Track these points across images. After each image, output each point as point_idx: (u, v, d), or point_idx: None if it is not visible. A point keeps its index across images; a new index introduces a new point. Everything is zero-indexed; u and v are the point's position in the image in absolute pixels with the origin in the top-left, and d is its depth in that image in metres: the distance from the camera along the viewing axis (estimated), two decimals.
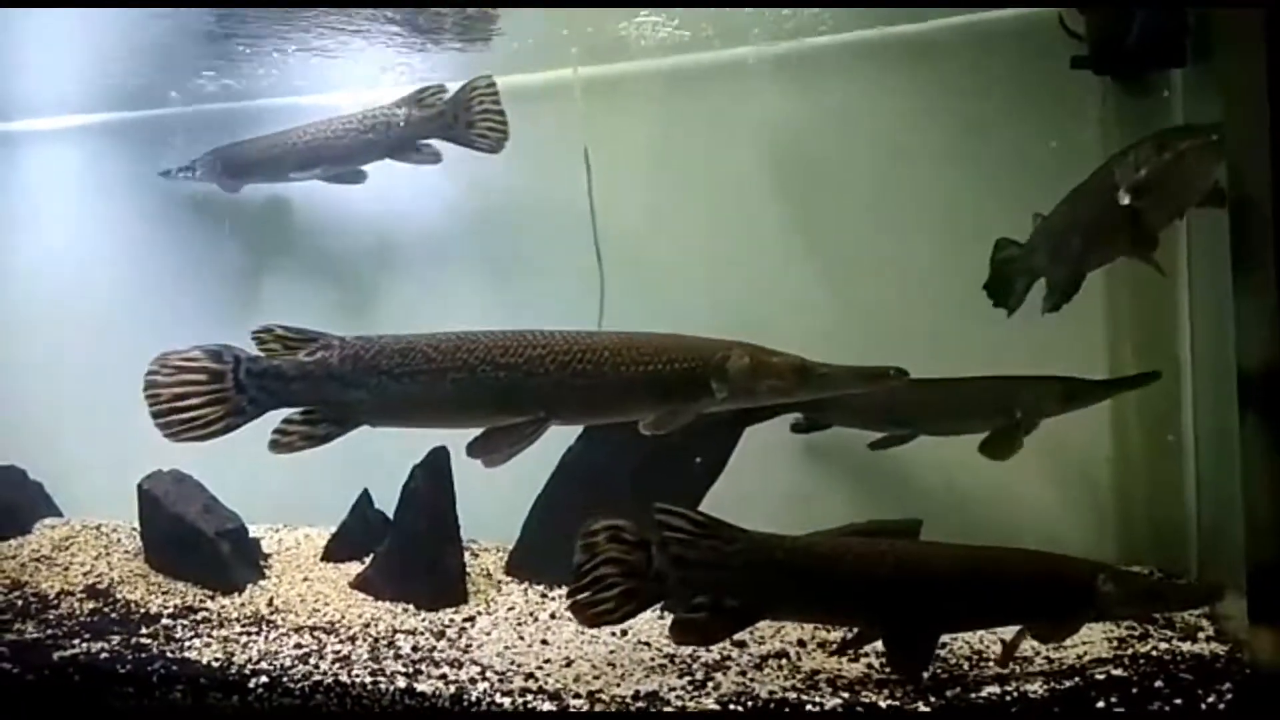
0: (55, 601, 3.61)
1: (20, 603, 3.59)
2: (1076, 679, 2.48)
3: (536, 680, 2.80)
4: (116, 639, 3.19)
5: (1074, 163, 3.29)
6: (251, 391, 2.78)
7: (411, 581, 3.51)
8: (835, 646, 2.92)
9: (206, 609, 3.51)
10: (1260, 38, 2.21)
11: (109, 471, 4.00)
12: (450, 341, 2.79)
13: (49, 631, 3.28)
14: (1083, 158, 3.33)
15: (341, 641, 3.16)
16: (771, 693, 2.61)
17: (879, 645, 2.72)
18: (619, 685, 2.74)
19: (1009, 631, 2.79)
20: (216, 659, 3.00)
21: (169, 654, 3.05)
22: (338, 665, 2.93)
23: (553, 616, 3.36)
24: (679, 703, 2.58)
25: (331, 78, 4.19)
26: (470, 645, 3.12)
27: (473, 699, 2.66)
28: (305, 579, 3.77)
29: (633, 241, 4.03)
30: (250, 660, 2.98)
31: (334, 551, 3.95)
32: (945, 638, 2.87)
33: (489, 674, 2.84)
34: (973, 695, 2.47)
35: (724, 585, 2.66)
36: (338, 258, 4.44)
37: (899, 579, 2.67)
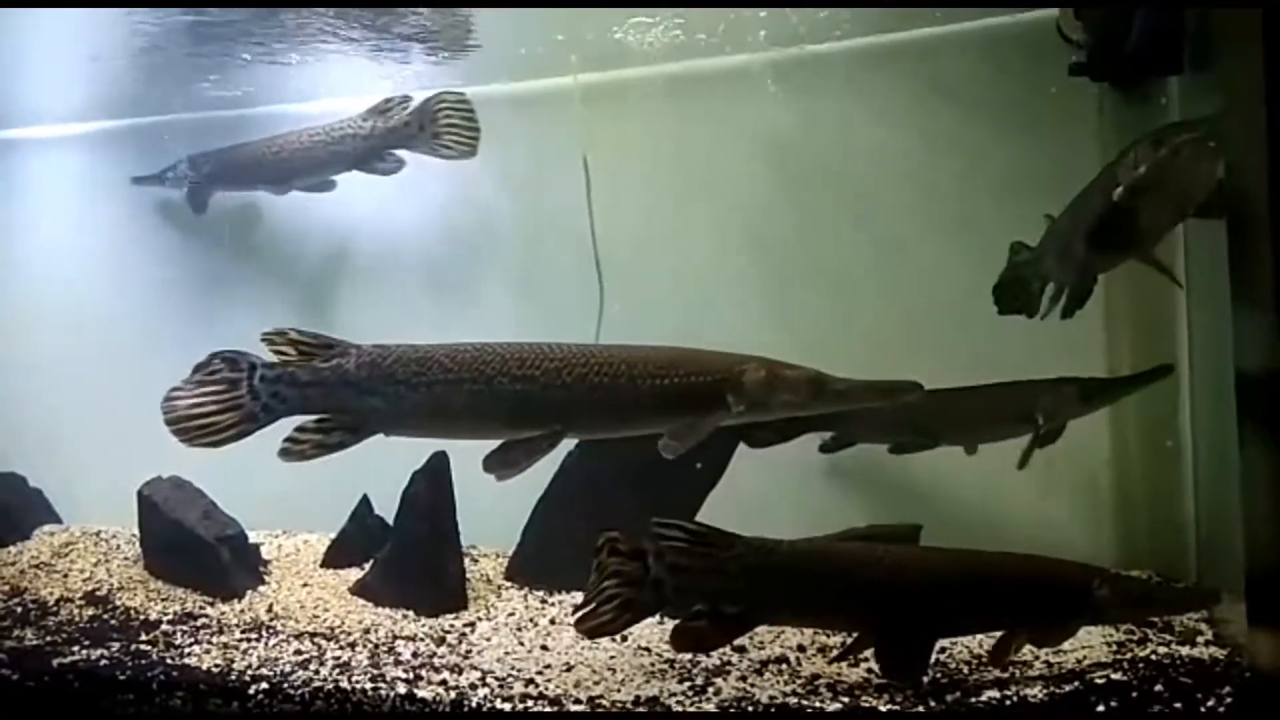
0: (55, 608, 3.60)
1: (20, 609, 3.58)
2: (1076, 683, 2.49)
3: (537, 686, 2.80)
4: (116, 645, 3.19)
5: (1072, 170, 3.31)
6: (265, 398, 2.77)
7: (411, 587, 3.51)
8: (835, 653, 2.92)
9: (206, 615, 3.51)
10: (1259, 41, 2.23)
11: (109, 478, 3.99)
12: (467, 352, 2.78)
13: (48, 638, 3.28)
14: (1081, 165, 3.35)
15: (342, 648, 3.16)
16: (772, 698, 2.62)
17: None
18: (619, 690, 2.74)
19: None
20: (216, 665, 3.00)
21: (169, 660, 3.05)
22: (338, 671, 2.93)
23: (553, 622, 3.36)
24: (679, 708, 2.58)
25: (331, 84, 4.20)
26: (470, 651, 3.12)
27: (473, 705, 2.67)
28: (305, 585, 3.77)
29: (632, 249, 4.03)
30: (250, 666, 2.99)
31: (334, 557, 3.95)
32: (944, 642, 2.88)
33: (489, 680, 2.84)
34: (972, 699, 2.48)
35: (721, 592, 2.68)
36: (329, 267, 4.45)
37: (894, 583, 2.68)
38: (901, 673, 2.64)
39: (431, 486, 3.54)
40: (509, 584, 3.73)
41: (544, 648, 3.13)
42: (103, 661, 3.05)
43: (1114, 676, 2.49)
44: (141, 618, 3.49)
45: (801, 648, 3.01)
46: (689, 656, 2.95)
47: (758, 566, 2.68)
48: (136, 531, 3.96)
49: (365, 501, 3.93)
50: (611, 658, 3.00)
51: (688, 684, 2.76)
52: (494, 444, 2.78)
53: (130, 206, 4.65)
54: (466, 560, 3.69)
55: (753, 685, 2.74)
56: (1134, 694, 2.29)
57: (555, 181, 4.09)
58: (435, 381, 2.75)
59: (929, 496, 3.67)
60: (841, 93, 3.86)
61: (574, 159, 3.97)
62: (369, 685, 2.79)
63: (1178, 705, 2.23)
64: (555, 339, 3.69)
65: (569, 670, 2.92)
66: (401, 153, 4.09)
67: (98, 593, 3.73)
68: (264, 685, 2.83)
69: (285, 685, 2.83)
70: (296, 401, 2.79)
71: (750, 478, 3.55)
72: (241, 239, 4.56)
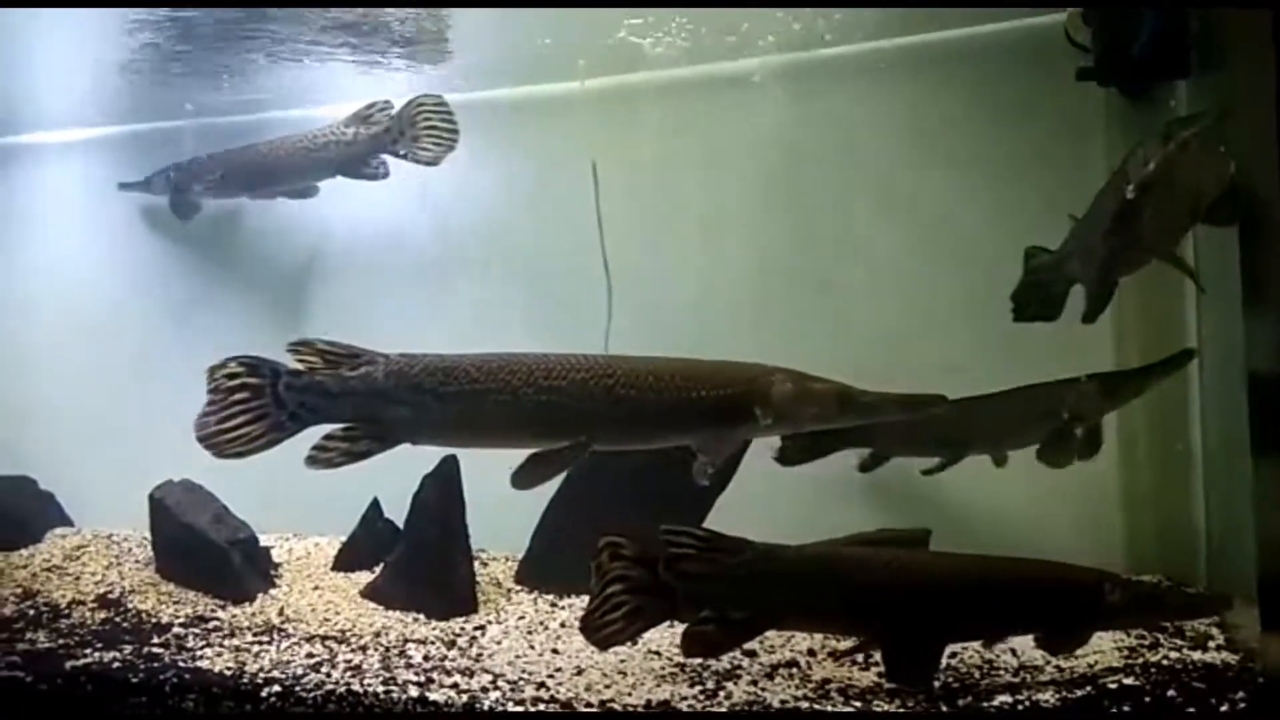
0: (67, 611, 3.62)
1: (32, 612, 3.60)
2: (1088, 687, 2.49)
3: (548, 689, 2.80)
4: (128, 648, 3.20)
5: (1080, 175, 3.31)
6: (292, 406, 2.76)
7: (422, 591, 3.52)
8: (839, 654, 2.93)
9: (218, 618, 3.53)
10: (1268, 44, 2.23)
11: (120, 481, 4.01)
12: (494, 362, 2.78)
13: (61, 641, 3.29)
14: (1089, 170, 3.36)
15: (353, 650, 3.17)
16: (783, 702, 2.62)
17: None
18: (630, 694, 2.75)
19: (1021, 641, 2.81)
20: (229, 668, 3.01)
21: (181, 663, 3.06)
22: (350, 674, 2.94)
23: (563, 625, 3.36)
24: (691, 712, 2.59)
25: (341, 88, 4.21)
26: (481, 654, 3.13)
27: (485, 708, 2.67)
28: (316, 588, 3.79)
29: (639, 255, 4.04)
30: (262, 669, 2.99)
31: (344, 561, 3.96)
32: (955, 646, 2.88)
33: (500, 683, 2.85)
34: (984, 704, 2.48)
35: (730, 598, 2.68)
36: (332, 272, 4.47)
37: (903, 589, 2.68)
38: (910, 678, 2.64)
39: (442, 490, 3.55)
40: (519, 587, 3.74)
41: (555, 651, 3.14)
42: (115, 664, 3.06)
43: (1126, 681, 2.49)
44: (153, 620, 3.51)
45: (812, 652, 3.02)
46: (699, 660, 2.95)
47: (767, 572, 2.69)
48: (148, 535, 3.99)
49: (375, 505, 3.94)
50: (622, 661, 3.00)
51: (698, 688, 2.77)
52: (520, 454, 2.78)
53: (138, 211, 4.68)
54: (476, 564, 3.70)
55: (764, 689, 2.74)
56: (1147, 699, 2.29)
57: (563, 187, 4.10)
58: (462, 391, 2.74)
59: (937, 501, 3.67)
60: (850, 98, 3.87)
61: (582, 164, 3.98)
62: (381, 688, 2.80)
63: (1191, 710, 2.23)
64: (563, 344, 3.77)
65: (580, 673, 2.93)
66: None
67: (110, 595, 3.75)
68: (276, 688, 2.84)
69: (297, 688, 2.83)
70: (325, 410, 2.78)
71: (758, 483, 3.56)
72: (243, 243, 4.57)
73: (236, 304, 4.57)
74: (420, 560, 3.56)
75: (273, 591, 3.75)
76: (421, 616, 3.47)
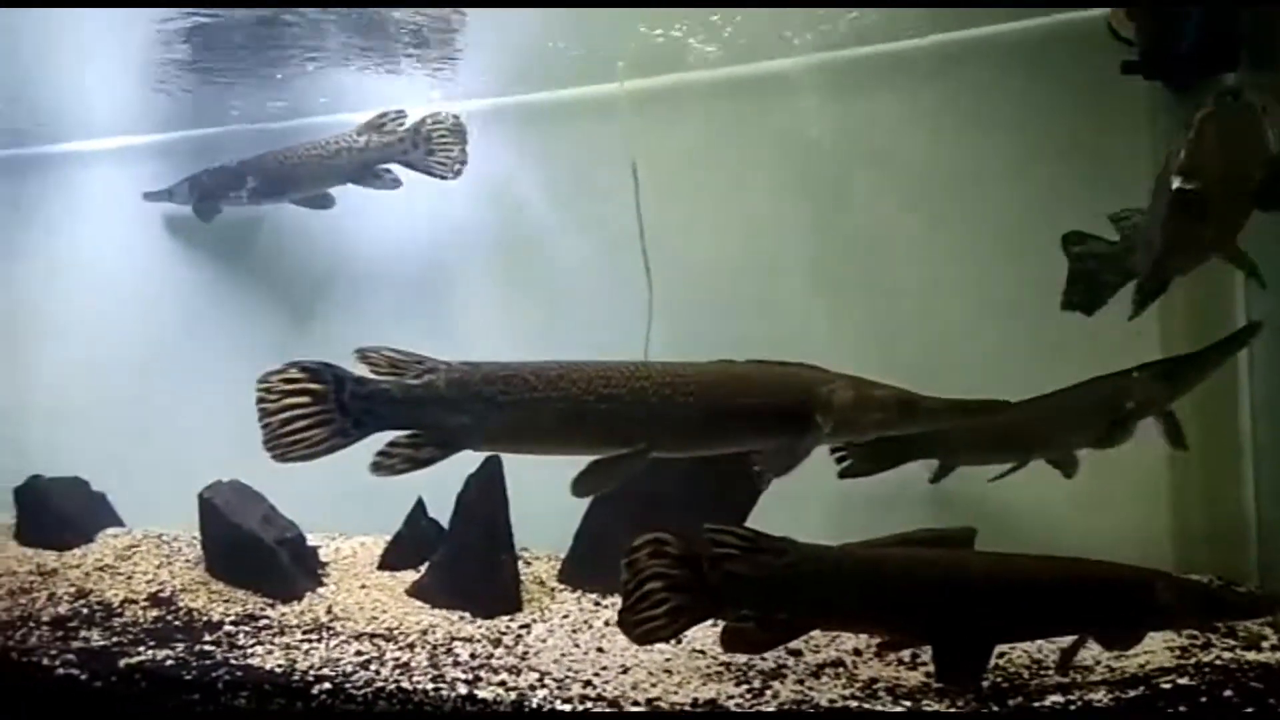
0: (120, 609, 3.68)
1: (86, 610, 3.67)
2: (1142, 688, 2.47)
3: (595, 687, 2.82)
4: (181, 646, 3.25)
5: (1125, 171, 3.27)
6: (357, 413, 2.80)
7: (467, 589, 3.55)
8: (880, 647, 2.92)
9: (267, 616, 3.58)
10: None
11: (170, 482, 4.07)
12: (554, 370, 2.81)
13: (114, 639, 3.36)
14: (1135, 164, 3.32)
15: (401, 649, 3.20)
16: (831, 701, 2.62)
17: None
18: (677, 693, 2.76)
19: (1068, 640, 2.78)
20: (279, 666, 3.06)
21: (233, 661, 3.11)
22: (399, 672, 2.97)
23: (607, 624, 3.38)
24: (740, 710, 2.59)
25: (384, 93, 4.25)
26: (527, 652, 3.16)
27: (533, 705, 2.69)
28: (363, 586, 3.83)
29: (681, 256, 4.04)
30: (313, 667, 3.03)
31: (390, 560, 4.00)
32: (1002, 646, 2.86)
33: (548, 680, 2.87)
34: (1035, 704, 2.46)
35: (774, 598, 2.69)
36: (381, 276, 4.50)
37: (950, 589, 2.67)
38: (960, 678, 2.63)
39: (485, 490, 3.58)
40: (562, 586, 3.76)
41: (600, 650, 3.15)
42: (168, 662, 3.11)
43: (1180, 681, 2.46)
44: (204, 619, 3.56)
45: (858, 651, 3.01)
46: (744, 659, 2.96)
47: (812, 573, 2.69)
48: (197, 534, 4.05)
49: (420, 505, 3.98)
50: (667, 660, 3.01)
51: (744, 687, 2.77)
52: (576, 460, 2.80)
53: (187, 219, 4.74)
54: (520, 563, 3.72)
55: (810, 689, 2.74)
56: (1203, 699, 2.27)
57: (604, 187, 4.12)
58: (523, 399, 2.77)
59: (981, 500, 3.64)
60: (890, 96, 3.85)
61: (623, 165, 3.99)
62: (430, 686, 2.83)
63: (1249, 710, 2.20)
64: (603, 346, 3.78)
65: (625, 672, 2.94)
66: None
67: (161, 594, 3.81)
68: (327, 685, 2.88)
69: (347, 685, 2.87)
70: (388, 417, 2.81)
71: (798, 482, 3.55)
72: (289, 246, 4.63)
73: (285, 307, 4.63)
74: (465, 559, 3.60)
75: (320, 590, 3.80)
76: (467, 615, 3.51)
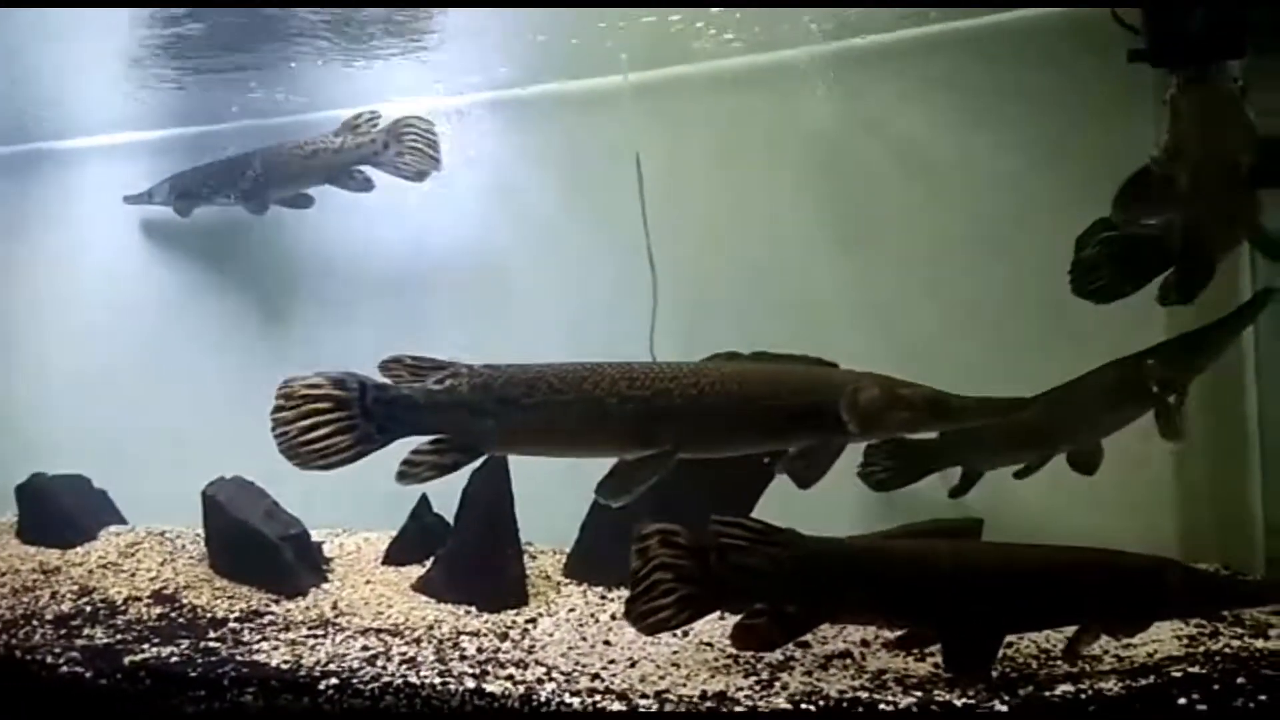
0: (123, 607, 3.67)
1: (89, 608, 3.65)
2: (1152, 676, 2.46)
3: (603, 680, 2.81)
4: (185, 643, 3.24)
5: (1132, 160, 3.26)
6: (380, 419, 2.78)
7: (472, 584, 3.54)
8: (891, 644, 2.91)
9: (272, 613, 3.56)
10: None
11: (172, 478, 4.06)
12: (578, 372, 2.79)
13: (118, 636, 3.34)
14: (1141, 153, 3.31)
15: (407, 644, 3.19)
16: (841, 692, 2.61)
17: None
18: (685, 685, 2.75)
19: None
20: (285, 662, 3.04)
21: (238, 657, 3.09)
22: (405, 667, 2.96)
23: (613, 618, 3.37)
24: (748, 703, 2.58)
25: (385, 87, 4.24)
26: (534, 646, 3.15)
27: (542, 699, 2.68)
28: (368, 582, 3.82)
29: (685, 250, 4.03)
30: (319, 662, 3.02)
31: (395, 555, 3.99)
32: (1011, 636, 2.85)
33: (555, 674, 2.86)
34: (1046, 693, 2.45)
35: (783, 590, 2.68)
36: (380, 276, 4.49)
37: (959, 580, 2.66)
38: (970, 668, 2.63)
39: (490, 485, 3.57)
40: (568, 580, 3.75)
41: (606, 643, 3.14)
42: (173, 659, 3.09)
43: (1191, 669, 2.46)
44: (209, 615, 3.55)
45: (865, 642, 3.00)
46: (752, 652, 2.95)
47: (821, 565, 2.68)
48: (201, 531, 4.03)
49: (424, 500, 3.96)
50: (675, 652, 3.00)
51: (753, 679, 2.76)
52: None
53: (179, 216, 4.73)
54: (525, 557, 3.71)
55: (819, 680, 2.73)
56: (1216, 686, 2.26)
57: (607, 180, 4.10)
58: (547, 402, 2.75)
59: (989, 491, 3.64)
60: (895, 86, 3.83)
61: (626, 157, 3.98)
62: (437, 680, 2.81)
63: (1263, 698, 2.20)
64: (607, 342, 3.76)
65: (633, 665, 2.93)
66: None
67: (165, 591, 3.79)
68: (333, 681, 2.86)
69: (354, 681, 2.85)
70: (412, 422, 2.80)
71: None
72: (290, 244, 4.61)
73: (283, 306, 4.63)
74: (470, 554, 3.59)
75: (325, 586, 3.79)
76: (473, 609, 3.49)
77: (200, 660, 3.07)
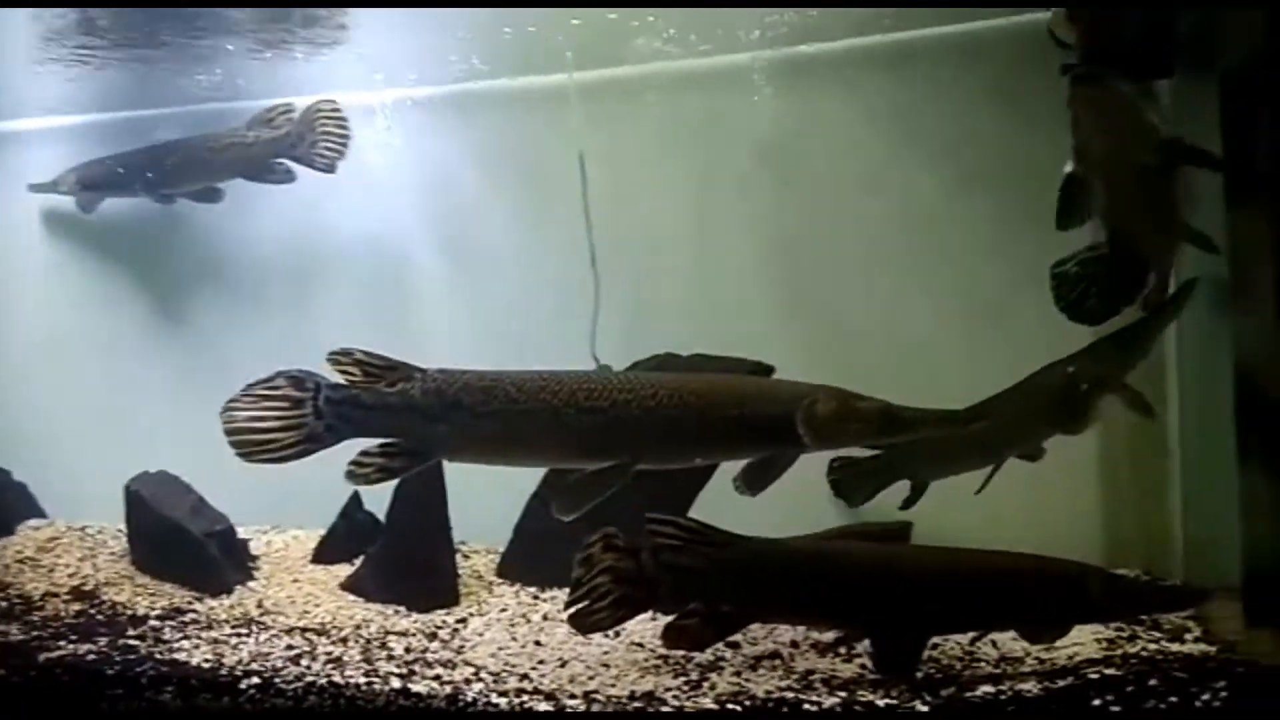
0: (40, 603, 3.57)
1: (4, 604, 3.54)
2: (1070, 678, 2.51)
3: (531, 681, 2.79)
4: (103, 640, 3.16)
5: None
6: (329, 419, 2.75)
7: (403, 583, 3.50)
8: (823, 646, 2.94)
9: (195, 610, 3.49)
10: (1255, 44, 2.26)
11: (97, 473, 3.96)
12: (536, 381, 2.76)
13: (34, 633, 3.25)
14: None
15: (333, 643, 3.14)
16: (768, 692, 2.62)
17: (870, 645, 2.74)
18: (614, 685, 2.74)
19: (1003, 634, 2.83)
20: (206, 660, 2.98)
21: (158, 655, 3.02)
22: (330, 666, 2.92)
23: (545, 618, 3.35)
24: (675, 703, 2.59)
25: (324, 78, 4.17)
26: (463, 646, 3.12)
27: (468, 699, 2.66)
28: (295, 580, 3.75)
29: (628, 249, 4.02)
30: (241, 662, 2.96)
31: (324, 553, 3.93)
32: (936, 637, 2.89)
33: (483, 675, 2.84)
34: (967, 694, 2.49)
35: (716, 590, 2.69)
36: (313, 271, 4.41)
37: (888, 582, 2.70)
38: (895, 669, 2.66)
39: (424, 483, 3.51)
40: (501, 580, 3.72)
41: (537, 643, 3.12)
42: (90, 656, 3.02)
43: (1107, 672, 2.51)
44: (129, 613, 3.47)
45: (795, 643, 3.02)
46: (683, 652, 2.95)
47: (754, 565, 2.70)
48: (123, 527, 3.94)
49: (356, 497, 3.91)
50: (605, 653, 3.00)
51: (682, 679, 2.76)
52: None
53: (111, 204, 4.61)
54: (458, 556, 3.68)
55: (747, 680, 2.74)
56: (1129, 688, 2.31)
57: (550, 180, 4.08)
58: (502, 410, 2.73)
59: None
60: (840, 93, 3.87)
61: (570, 156, 3.96)
62: (362, 680, 2.78)
63: (1174, 699, 2.25)
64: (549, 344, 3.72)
65: (563, 666, 2.92)
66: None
67: (84, 588, 3.70)
68: (255, 680, 2.81)
69: (277, 680, 2.81)
70: (361, 424, 2.77)
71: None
72: (219, 235, 4.52)
73: (213, 297, 4.53)
74: (401, 553, 3.54)
75: (251, 584, 3.72)
76: (402, 609, 3.45)
77: (118, 658, 3.00)
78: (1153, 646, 2.85)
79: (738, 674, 2.80)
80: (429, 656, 3.01)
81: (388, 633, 3.24)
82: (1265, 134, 2.39)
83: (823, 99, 3.88)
